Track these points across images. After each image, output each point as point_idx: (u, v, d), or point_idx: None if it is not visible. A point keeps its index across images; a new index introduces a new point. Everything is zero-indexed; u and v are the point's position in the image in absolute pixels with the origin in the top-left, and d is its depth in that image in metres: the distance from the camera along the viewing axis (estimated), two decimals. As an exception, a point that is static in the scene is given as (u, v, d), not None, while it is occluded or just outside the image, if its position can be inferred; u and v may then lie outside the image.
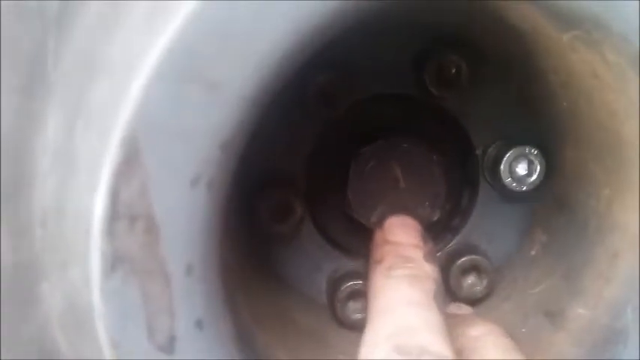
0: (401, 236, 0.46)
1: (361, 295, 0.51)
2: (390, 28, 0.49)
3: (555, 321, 0.46)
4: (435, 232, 0.55)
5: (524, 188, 0.50)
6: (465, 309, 0.47)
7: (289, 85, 0.46)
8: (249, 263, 0.45)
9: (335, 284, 0.52)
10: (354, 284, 0.51)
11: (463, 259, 0.52)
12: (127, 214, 0.28)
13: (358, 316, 0.51)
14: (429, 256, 0.44)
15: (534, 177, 0.50)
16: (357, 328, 0.48)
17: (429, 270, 0.42)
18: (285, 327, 0.46)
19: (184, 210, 0.28)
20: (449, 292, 0.53)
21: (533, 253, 0.52)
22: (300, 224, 0.51)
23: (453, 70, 0.49)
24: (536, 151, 0.50)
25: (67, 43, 0.31)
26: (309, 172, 0.51)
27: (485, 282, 0.52)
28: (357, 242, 0.53)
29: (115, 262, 0.28)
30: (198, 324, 0.30)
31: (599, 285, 0.44)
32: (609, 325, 0.42)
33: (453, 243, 0.54)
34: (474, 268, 0.52)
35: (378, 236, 0.48)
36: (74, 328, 0.35)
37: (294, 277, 0.52)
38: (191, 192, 0.28)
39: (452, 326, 0.40)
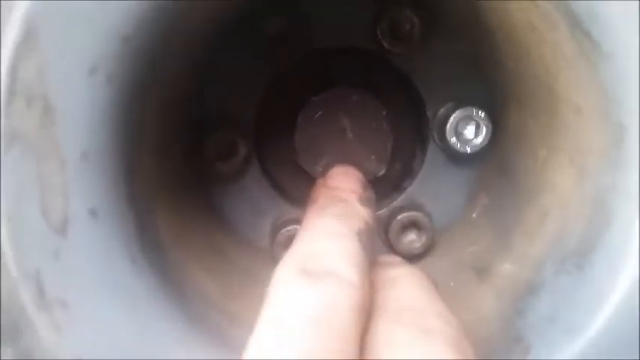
0: (340, 181, 0.47)
1: (300, 240, 0.52)
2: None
3: (482, 276, 0.46)
4: (385, 191, 0.56)
5: (469, 150, 0.51)
6: (395, 258, 0.48)
7: (239, 23, 0.48)
8: (183, 193, 0.46)
9: (277, 229, 0.53)
10: (294, 228, 0.51)
11: (404, 214, 0.52)
12: (25, 94, 0.29)
13: (297, 261, 0.52)
14: (366, 201, 0.44)
15: (480, 139, 0.50)
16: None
17: (361, 211, 0.42)
18: (216, 259, 0.47)
19: (81, 97, 0.29)
20: (387, 246, 0.53)
21: (474, 215, 0.53)
22: (246, 166, 0.52)
23: (407, 26, 0.50)
24: (482, 114, 0.50)
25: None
26: (259, 116, 0.52)
27: (424, 239, 0.52)
28: (304, 190, 0.54)
29: (12, 138, 0.29)
30: (93, 212, 0.31)
31: (526, 242, 0.45)
32: (529, 279, 0.42)
33: (399, 200, 0.55)
34: (413, 225, 0.52)
35: (319, 181, 0.49)
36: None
37: (236, 218, 0.52)
38: (88, 80, 0.29)
39: (377, 270, 0.40)
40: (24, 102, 0.29)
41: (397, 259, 0.48)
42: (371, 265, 0.39)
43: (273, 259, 0.52)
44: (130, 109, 0.32)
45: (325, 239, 0.37)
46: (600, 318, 0.37)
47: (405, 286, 0.38)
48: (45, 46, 0.28)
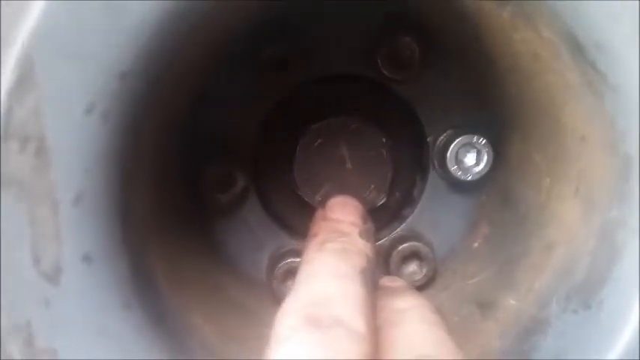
0: (339, 214, 0.45)
1: (299, 273, 0.51)
2: (347, 7, 0.49)
3: (486, 311, 0.45)
4: (385, 220, 0.55)
5: (470, 178, 0.50)
6: (398, 282, 0.46)
7: (236, 51, 0.47)
8: (180, 228, 0.44)
9: (275, 262, 0.52)
10: (292, 262, 0.50)
11: (405, 245, 0.51)
12: (19, 135, 0.28)
13: (295, 295, 0.50)
14: (365, 234, 0.42)
15: (481, 166, 0.50)
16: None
17: (362, 246, 0.40)
18: (213, 298, 0.45)
19: (77, 137, 0.28)
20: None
21: (475, 245, 0.52)
22: (244, 197, 0.51)
23: (407, 53, 0.50)
24: (483, 141, 0.49)
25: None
26: (257, 145, 0.51)
27: (425, 270, 0.51)
28: (303, 221, 0.53)
29: (4, 182, 0.28)
30: (86, 258, 0.30)
31: (531, 276, 0.44)
32: (534, 316, 0.41)
33: (399, 230, 0.53)
34: (414, 255, 0.51)
35: (318, 213, 0.47)
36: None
37: (234, 251, 0.51)
38: (85, 119, 0.28)
39: (380, 298, 0.39)
40: (18, 144, 0.27)
41: (400, 283, 0.46)
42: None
43: (272, 294, 0.51)
44: (126, 147, 0.31)
45: (328, 281, 0.35)
46: (610, 360, 0.36)
47: (413, 324, 0.37)
48: (42, 84, 0.27)
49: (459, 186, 0.53)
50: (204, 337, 0.38)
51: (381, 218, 0.54)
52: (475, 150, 0.50)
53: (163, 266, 0.37)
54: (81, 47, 0.27)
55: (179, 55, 0.32)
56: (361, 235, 0.42)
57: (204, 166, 0.49)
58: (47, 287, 0.29)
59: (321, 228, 0.44)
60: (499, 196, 0.51)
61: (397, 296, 0.40)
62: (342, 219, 0.45)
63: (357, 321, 0.32)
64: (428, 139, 0.52)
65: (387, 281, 0.45)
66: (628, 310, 0.36)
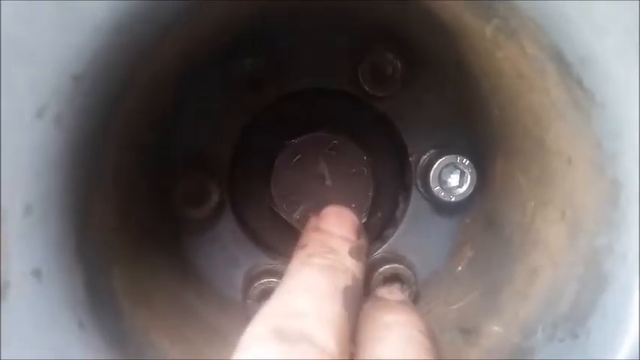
0: (333, 226, 0.42)
1: (275, 294, 0.49)
2: (328, 21, 0.48)
3: (469, 338, 0.43)
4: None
5: (454, 199, 0.48)
6: (396, 294, 0.43)
7: (213, 63, 0.45)
8: (148, 245, 0.42)
9: (251, 281, 0.50)
10: (269, 282, 0.48)
11: (386, 266, 0.49)
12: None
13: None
14: (356, 251, 0.40)
15: (465, 187, 0.48)
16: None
17: (350, 265, 0.38)
18: (181, 318, 0.43)
19: (27, 141, 0.26)
20: (368, 300, 0.50)
21: (459, 269, 0.50)
22: (218, 213, 0.49)
23: (389, 70, 0.48)
24: (467, 162, 0.48)
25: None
26: (233, 160, 0.49)
27: (406, 293, 0.49)
28: (280, 239, 0.51)
29: (-55, 190, 0.26)
30: (36, 273, 0.27)
31: (516, 303, 0.42)
32: (519, 345, 0.39)
33: (380, 251, 0.51)
34: (396, 278, 0.49)
35: (311, 222, 0.44)
36: None
37: (207, 269, 0.49)
38: (36, 123, 0.26)
39: (371, 310, 0.37)
40: (-40, 149, 0.25)
41: (397, 296, 0.43)
42: (364, 303, 0.37)
43: (247, 315, 0.49)
44: (84, 154, 0.29)
45: (306, 297, 0.34)
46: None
47: (395, 343, 0.34)
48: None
49: (442, 207, 0.51)
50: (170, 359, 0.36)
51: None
52: (458, 171, 0.49)
53: (126, 284, 0.35)
54: (30, 47, 0.25)
55: (143, 64, 0.30)
56: (351, 252, 0.40)
57: (176, 181, 0.47)
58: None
59: (311, 239, 0.42)
60: (483, 218, 0.49)
61: (387, 310, 0.38)
62: (334, 232, 0.42)
63: (327, 339, 0.30)
64: (410, 159, 0.51)
65: (385, 293, 0.43)
66: (617, 341, 0.34)
